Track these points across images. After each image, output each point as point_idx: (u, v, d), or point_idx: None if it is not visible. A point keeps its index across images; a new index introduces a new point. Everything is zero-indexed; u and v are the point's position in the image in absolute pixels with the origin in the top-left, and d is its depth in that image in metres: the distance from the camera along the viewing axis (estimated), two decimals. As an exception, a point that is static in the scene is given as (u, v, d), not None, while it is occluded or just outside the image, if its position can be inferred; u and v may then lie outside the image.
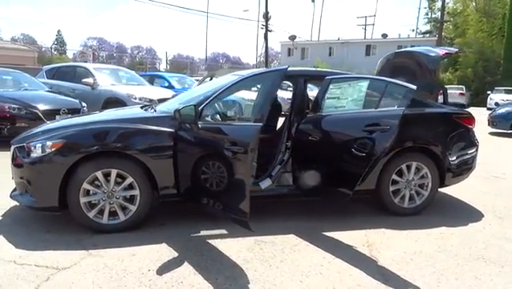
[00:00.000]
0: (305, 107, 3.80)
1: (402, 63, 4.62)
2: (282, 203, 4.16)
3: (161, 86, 12.28)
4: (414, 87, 3.26)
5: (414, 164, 3.90)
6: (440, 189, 4.66)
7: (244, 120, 3.22)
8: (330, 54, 38.44)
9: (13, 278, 2.57)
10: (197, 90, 4.37)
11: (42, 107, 7.25)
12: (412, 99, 3.95)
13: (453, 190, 4.75)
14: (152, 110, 3.82)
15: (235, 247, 3.15)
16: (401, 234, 3.51)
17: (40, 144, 3.25)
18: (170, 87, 12.25)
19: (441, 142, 3.97)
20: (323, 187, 3.56)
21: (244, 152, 2.81)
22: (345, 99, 3.57)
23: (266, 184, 3.67)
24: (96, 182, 3.28)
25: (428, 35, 43.58)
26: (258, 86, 3.26)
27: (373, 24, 48.16)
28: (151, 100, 8.39)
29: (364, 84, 3.56)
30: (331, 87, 3.67)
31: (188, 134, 3.29)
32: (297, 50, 40.68)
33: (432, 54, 4.13)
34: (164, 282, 2.60)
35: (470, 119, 4.20)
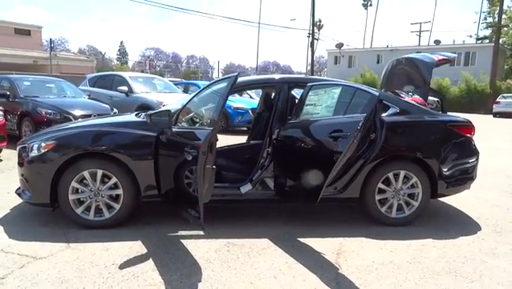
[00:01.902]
0: (286, 114, 3.83)
1: (404, 71, 4.52)
2: (268, 208, 4.20)
3: (195, 93, 12.72)
4: (377, 94, 3.19)
5: (402, 173, 3.78)
6: (444, 200, 4.49)
7: (207, 126, 3.32)
8: (378, 62, 37.39)
9: (-7, 264, 2.87)
10: (189, 96, 4.54)
11: (76, 112, 7.85)
12: (401, 107, 3.87)
13: (459, 202, 4.53)
14: (144, 116, 4.04)
15: (204, 248, 3.25)
16: (378, 244, 3.41)
17: (37, 145, 3.59)
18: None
19: (431, 150, 3.81)
20: (299, 193, 3.57)
21: (197, 155, 2.92)
22: (320, 106, 3.57)
23: (246, 188, 3.74)
24: (84, 181, 3.55)
25: (487, 41, 41.03)
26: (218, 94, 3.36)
27: (429, 30, 46.37)
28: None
29: (336, 91, 3.54)
30: (310, 93, 3.69)
31: (165, 138, 3.47)
32: (344, 59, 40.05)
33: (428, 61, 4.00)
34: (121, 275, 2.76)
35: (468, 127, 3.98)
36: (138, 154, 3.55)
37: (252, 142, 4.68)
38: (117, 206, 3.58)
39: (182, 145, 3.35)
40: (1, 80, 9.20)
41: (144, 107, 9.40)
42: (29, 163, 3.61)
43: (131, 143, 3.58)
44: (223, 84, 3.28)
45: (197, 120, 3.59)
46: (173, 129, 3.38)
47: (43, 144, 3.56)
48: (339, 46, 37.70)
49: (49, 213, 3.78)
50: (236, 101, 11.43)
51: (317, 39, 34.07)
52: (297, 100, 4.14)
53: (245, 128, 10.90)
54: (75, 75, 21.93)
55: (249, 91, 12.65)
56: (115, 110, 8.57)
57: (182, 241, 3.37)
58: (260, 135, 4.79)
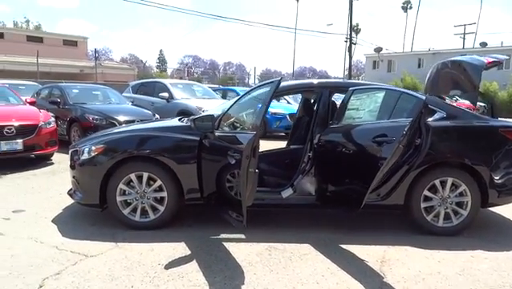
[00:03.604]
0: (327, 118, 3.81)
1: (450, 74, 4.38)
2: (308, 213, 4.18)
3: (233, 99, 12.88)
4: (423, 97, 3.09)
5: (450, 180, 3.64)
6: (496, 210, 4.28)
7: (250, 130, 3.35)
8: (419, 66, 36.29)
9: (49, 260, 3.04)
10: (231, 102, 4.61)
11: (120, 118, 8.17)
12: (449, 112, 3.74)
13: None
14: (187, 121, 4.15)
15: (245, 251, 3.28)
16: (424, 253, 3.30)
17: (87, 148, 3.78)
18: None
19: (481, 157, 3.64)
20: (341, 199, 3.52)
21: (240, 159, 2.96)
22: (362, 110, 3.52)
23: (287, 193, 3.75)
24: (131, 183, 3.69)
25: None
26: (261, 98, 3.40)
27: (474, 32, 44.49)
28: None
29: (380, 95, 3.47)
30: (352, 98, 3.65)
31: (208, 142, 3.55)
32: (383, 63, 39.21)
33: (476, 63, 3.85)
34: (166, 275, 2.84)
35: None
36: (181, 158, 3.65)
37: (292, 147, 4.69)
38: (162, 208, 3.69)
39: (224, 149, 3.41)
40: (52, 89, 9.77)
41: (184, 112, 9.63)
42: (80, 165, 3.81)
43: (175, 147, 3.68)
44: (266, 89, 3.31)
45: (239, 125, 3.65)
46: (216, 133, 3.45)
47: (93, 148, 3.74)
48: (378, 50, 36.93)
49: (96, 214, 3.95)
50: (274, 106, 11.46)
51: (355, 44, 33.52)
52: (338, 105, 4.12)
53: (283, 134, 10.90)
54: (118, 82, 22.84)
55: (286, 97, 12.68)
56: (157, 116, 8.85)
57: (224, 243, 3.42)
58: (300, 140, 4.79)
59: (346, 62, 39.87)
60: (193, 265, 3.00)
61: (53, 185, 5.43)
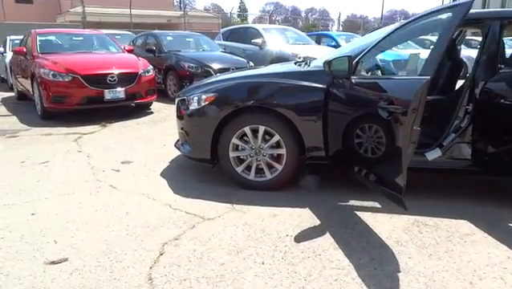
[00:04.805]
0: (497, 61, 2.87)
1: None
2: (456, 181, 3.41)
3: (328, 45, 11.85)
4: None
5: None
6: None
7: (408, 74, 2.59)
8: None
9: (165, 221, 2.75)
10: (355, 43, 3.83)
11: (215, 66, 7.81)
12: None
13: None
14: (306, 65, 3.50)
15: (387, 225, 2.68)
16: None
17: (196, 98, 3.36)
18: (337, 46, 11.70)
19: None
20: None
21: (402, 113, 2.26)
22: None
23: (433, 155, 2.99)
24: (245, 138, 3.24)
25: None
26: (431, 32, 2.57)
27: None
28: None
29: None
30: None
31: (340, 90, 2.88)
32: (495, 0, 33.75)
33: None
34: (300, 250, 2.37)
35: None
36: (305, 109, 3.05)
37: (430, 98, 3.82)
38: (279, 167, 3.20)
39: (363, 100, 2.75)
40: (147, 37, 9.68)
41: (278, 59, 8.98)
42: (189, 116, 3.43)
43: (296, 96, 3.09)
44: (442, 16, 2.47)
45: (387, 68, 2.91)
46: (353, 80, 2.77)
47: (204, 97, 3.31)
48: (490, -15, 31.67)
49: (204, 169, 3.61)
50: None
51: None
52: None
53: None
54: (204, 31, 22.68)
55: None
56: (251, 63, 8.33)
57: (357, 213, 2.85)
58: (436, 89, 3.90)
59: (444, 1, 35.17)
60: (328, 240, 2.49)
61: (155, 135, 5.28)
